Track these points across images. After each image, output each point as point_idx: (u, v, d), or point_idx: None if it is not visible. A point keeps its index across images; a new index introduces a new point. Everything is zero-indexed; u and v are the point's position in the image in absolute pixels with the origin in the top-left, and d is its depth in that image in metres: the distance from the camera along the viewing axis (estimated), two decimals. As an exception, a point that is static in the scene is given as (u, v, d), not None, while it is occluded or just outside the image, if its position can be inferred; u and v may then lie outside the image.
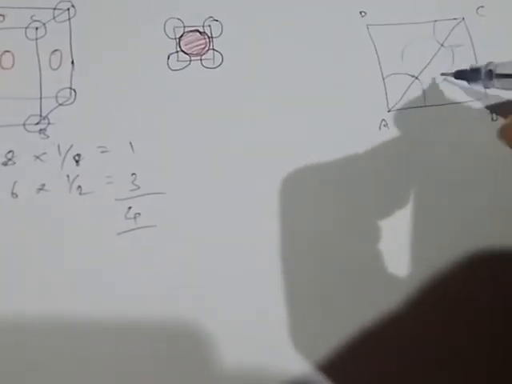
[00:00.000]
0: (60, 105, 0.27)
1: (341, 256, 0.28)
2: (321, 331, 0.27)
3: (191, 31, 0.29)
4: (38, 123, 0.27)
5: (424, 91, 0.30)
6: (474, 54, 0.31)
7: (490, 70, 0.28)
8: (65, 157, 0.27)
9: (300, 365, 0.27)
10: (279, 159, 0.28)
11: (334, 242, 0.28)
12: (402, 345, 0.28)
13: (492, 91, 0.30)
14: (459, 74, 0.30)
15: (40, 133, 0.27)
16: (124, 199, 0.27)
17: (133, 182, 0.27)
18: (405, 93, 0.30)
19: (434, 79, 0.30)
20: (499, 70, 0.28)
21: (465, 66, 0.30)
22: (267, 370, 0.26)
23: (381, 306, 0.28)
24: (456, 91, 0.31)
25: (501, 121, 0.30)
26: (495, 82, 0.28)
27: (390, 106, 0.30)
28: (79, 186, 0.26)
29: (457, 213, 0.30)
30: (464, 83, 0.30)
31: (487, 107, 0.30)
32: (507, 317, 0.29)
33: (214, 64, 0.29)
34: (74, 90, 0.27)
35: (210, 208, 0.27)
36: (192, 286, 0.27)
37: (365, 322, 0.27)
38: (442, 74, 0.30)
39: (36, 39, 0.28)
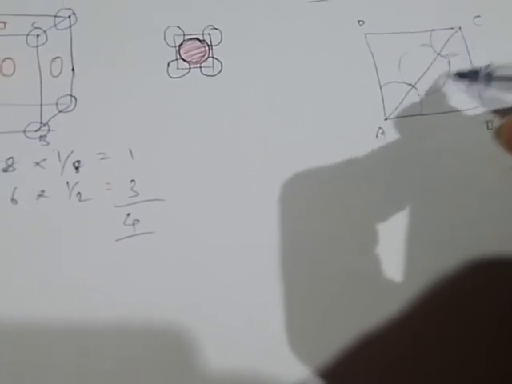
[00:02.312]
0: (60, 112, 0.27)
1: (338, 261, 0.28)
2: (319, 336, 0.27)
3: (191, 39, 0.29)
4: (38, 130, 0.27)
5: (421, 100, 0.31)
6: (471, 62, 0.32)
7: (489, 73, 0.28)
8: (65, 163, 0.27)
9: (297, 370, 0.27)
10: (277, 166, 0.29)
11: (330, 249, 0.28)
12: (401, 350, 0.28)
13: (487, 97, 0.30)
14: (460, 75, 0.30)
15: (40, 139, 0.27)
16: (123, 206, 0.27)
17: (132, 189, 0.27)
18: (402, 101, 0.31)
19: (430, 87, 0.31)
20: (498, 73, 0.28)
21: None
22: (265, 375, 0.27)
23: (379, 311, 0.28)
24: (453, 100, 0.31)
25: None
26: (494, 83, 0.28)
27: (387, 115, 0.30)
28: (79, 193, 0.27)
29: (454, 220, 0.30)
30: (464, 84, 0.30)
31: (485, 114, 0.31)
32: (506, 321, 0.29)
33: (213, 72, 0.29)
34: (75, 97, 0.28)
35: (208, 214, 0.28)
36: (191, 292, 0.27)
37: (363, 327, 0.28)
38: (445, 75, 0.31)
39: (37, 46, 0.28)
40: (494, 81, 0.28)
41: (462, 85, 0.30)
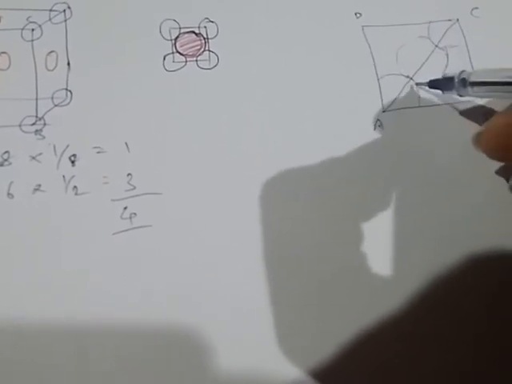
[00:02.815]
0: (56, 106, 0.27)
1: (336, 258, 0.28)
2: (312, 336, 0.27)
3: (187, 32, 0.29)
4: (33, 124, 0.27)
5: (418, 92, 0.30)
6: (469, 54, 0.31)
7: (464, 79, 0.28)
8: (61, 157, 0.27)
9: (292, 370, 0.27)
10: (275, 160, 0.28)
11: (329, 245, 0.28)
12: (396, 348, 0.28)
13: (463, 103, 0.30)
14: (433, 83, 0.30)
15: (36, 133, 0.27)
16: (120, 199, 0.27)
17: (128, 182, 0.27)
18: (400, 93, 0.30)
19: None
20: (473, 78, 0.28)
21: (459, 66, 0.30)
22: (264, 375, 0.26)
23: (373, 310, 0.28)
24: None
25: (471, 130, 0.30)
26: (469, 90, 0.28)
27: (384, 107, 0.30)
28: (75, 187, 0.27)
29: (451, 214, 0.30)
30: (438, 92, 0.30)
31: (461, 113, 0.30)
32: (504, 317, 0.29)
33: (209, 65, 0.29)
34: (70, 91, 0.28)
35: (206, 208, 0.28)
36: (188, 287, 0.27)
37: (357, 326, 0.27)
38: (417, 84, 0.30)
39: (32, 40, 0.28)
40: (468, 87, 0.28)
41: (435, 93, 0.30)
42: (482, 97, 0.29)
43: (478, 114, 0.30)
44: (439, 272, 0.28)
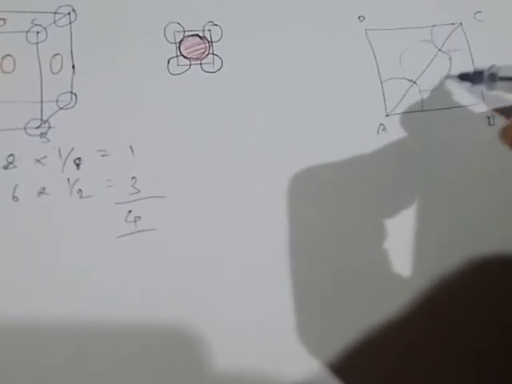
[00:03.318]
0: (61, 109, 0.27)
1: (343, 258, 0.28)
2: (328, 330, 0.27)
3: (191, 36, 0.29)
4: (38, 127, 0.27)
5: (422, 96, 0.31)
6: (472, 58, 0.32)
7: (493, 73, 0.28)
8: (65, 160, 0.27)
9: (296, 371, 0.27)
10: (278, 163, 0.29)
11: (333, 244, 0.28)
12: (410, 344, 0.28)
13: (490, 96, 0.30)
14: (463, 77, 0.30)
15: (41, 136, 0.27)
16: (124, 203, 0.27)
17: (133, 186, 0.27)
18: (403, 97, 0.30)
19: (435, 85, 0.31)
20: (502, 73, 0.28)
21: (462, 70, 0.31)
22: (264, 375, 0.27)
23: (386, 306, 0.28)
24: (453, 96, 0.31)
25: (500, 123, 0.30)
26: (498, 84, 0.28)
27: (388, 111, 0.30)
28: (80, 190, 0.27)
29: (455, 216, 0.30)
30: (467, 85, 0.30)
31: (486, 110, 0.31)
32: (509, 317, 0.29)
33: (213, 68, 0.29)
34: (75, 94, 0.28)
35: (209, 211, 0.28)
36: (192, 289, 0.27)
37: (370, 321, 0.28)
38: (449, 77, 0.31)
39: (37, 43, 0.28)
40: (497, 81, 0.28)
41: (465, 86, 0.30)
42: (510, 91, 0.29)
43: (507, 110, 0.30)
44: (450, 270, 0.29)
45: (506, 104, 0.30)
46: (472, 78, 0.30)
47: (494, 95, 0.30)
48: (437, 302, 0.28)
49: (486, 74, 0.29)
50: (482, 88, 0.29)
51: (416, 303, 0.28)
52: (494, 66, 0.29)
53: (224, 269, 0.27)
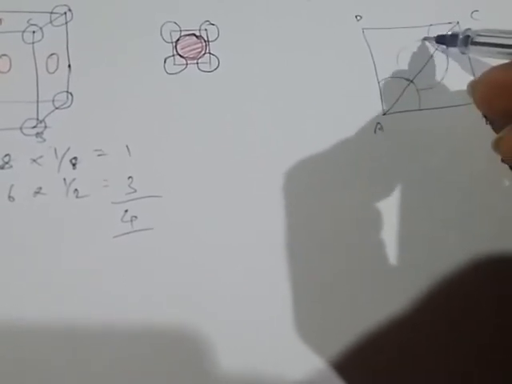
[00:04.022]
0: (57, 108, 0.27)
1: (343, 256, 0.28)
2: (327, 328, 0.27)
3: (188, 35, 0.29)
4: (34, 127, 0.27)
5: (419, 95, 0.31)
6: (469, 57, 0.31)
7: (468, 36, 0.29)
8: (61, 160, 0.27)
9: (296, 371, 0.27)
10: (275, 162, 0.28)
11: (330, 243, 0.28)
12: (412, 342, 0.28)
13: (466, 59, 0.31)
14: (439, 39, 0.31)
15: (37, 136, 0.27)
16: (120, 202, 0.27)
17: (129, 185, 0.27)
18: (400, 96, 0.30)
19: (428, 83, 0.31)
20: (477, 38, 0.29)
21: (459, 69, 0.31)
22: (264, 375, 0.26)
23: (387, 304, 0.28)
24: (451, 95, 0.31)
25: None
26: (471, 48, 0.29)
27: (385, 110, 0.30)
28: (76, 190, 0.27)
29: (452, 215, 0.30)
30: (443, 47, 0.31)
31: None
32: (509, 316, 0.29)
33: (210, 68, 0.29)
34: (71, 94, 0.28)
35: (206, 211, 0.28)
36: (189, 289, 0.27)
37: (371, 319, 0.27)
38: (425, 38, 0.31)
39: (33, 43, 0.28)
40: (470, 45, 0.29)
41: (441, 47, 0.31)
42: (484, 56, 0.30)
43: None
44: (447, 268, 0.28)
45: (482, 67, 0.30)
46: (448, 40, 0.30)
47: (471, 60, 0.31)
48: (438, 300, 0.28)
49: (460, 36, 0.29)
50: (456, 50, 0.30)
51: (417, 301, 0.28)
52: (469, 29, 0.29)
53: (223, 269, 0.27)
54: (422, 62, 0.31)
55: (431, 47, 0.31)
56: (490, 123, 0.30)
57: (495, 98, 0.25)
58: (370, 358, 0.27)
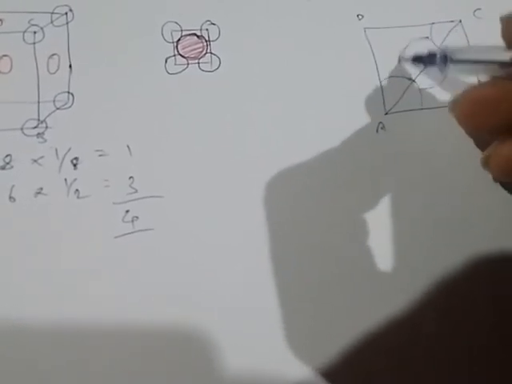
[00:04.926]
0: (58, 109, 0.27)
1: (337, 259, 0.28)
2: (317, 335, 0.27)
3: (189, 35, 0.29)
4: (35, 127, 0.27)
5: (421, 94, 0.30)
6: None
7: (445, 55, 0.27)
8: (62, 160, 0.27)
9: (297, 371, 0.27)
10: (276, 162, 0.28)
11: (331, 244, 0.28)
12: (407, 345, 0.28)
13: (446, 79, 0.30)
14: (416, 59, 0.29)
15: (38, 137, 0.27)
16: (122, 203, 0.27)
17: (130, 186, 0.27)
18: (402, 95, 0.30)
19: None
20: (455, 56, 0.27)
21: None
22: (264, 375, 0.26)
23: (383, 305, 0.28)
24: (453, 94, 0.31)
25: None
26: (451, 67, 0.27)
27: (387, 109, 0.30)
28: (77, 190, 0.27)
29: (454, 214, 0.30)
30: (421, 68, 0.30)
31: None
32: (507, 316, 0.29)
33: (211, 67, 0.29)
34: (72, 94, 0.28)
35: (208, 211, 0.28)
36: (189, 289, 0.27)
37: (366, 321, 0.27)
38: (401, 59, 0.30)
39: (34, 43, 0.28)
40: (449, 64, 0.27)
41: (419, 67, 0.30)
42: (464, 74, 0.28)
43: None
44: (445, 269, 0.28)
45: (460, 86, 0.29)
46: (425, 59, 0.29)
47: (450, 80, 0.29)
48: (436, 300, 0.28)
49: (438, 55, 0.27)
50: (435, 70, 0.28)
51: (415, 302, 0.28)
52: (446, 47, 0.27)
53: (223, 269, 0.27)
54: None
55: (433, 45, 0.31)
56: (473, 140, 0.30)
57: (479, 114, 0.25)
58: (367, 359, 0.27)
